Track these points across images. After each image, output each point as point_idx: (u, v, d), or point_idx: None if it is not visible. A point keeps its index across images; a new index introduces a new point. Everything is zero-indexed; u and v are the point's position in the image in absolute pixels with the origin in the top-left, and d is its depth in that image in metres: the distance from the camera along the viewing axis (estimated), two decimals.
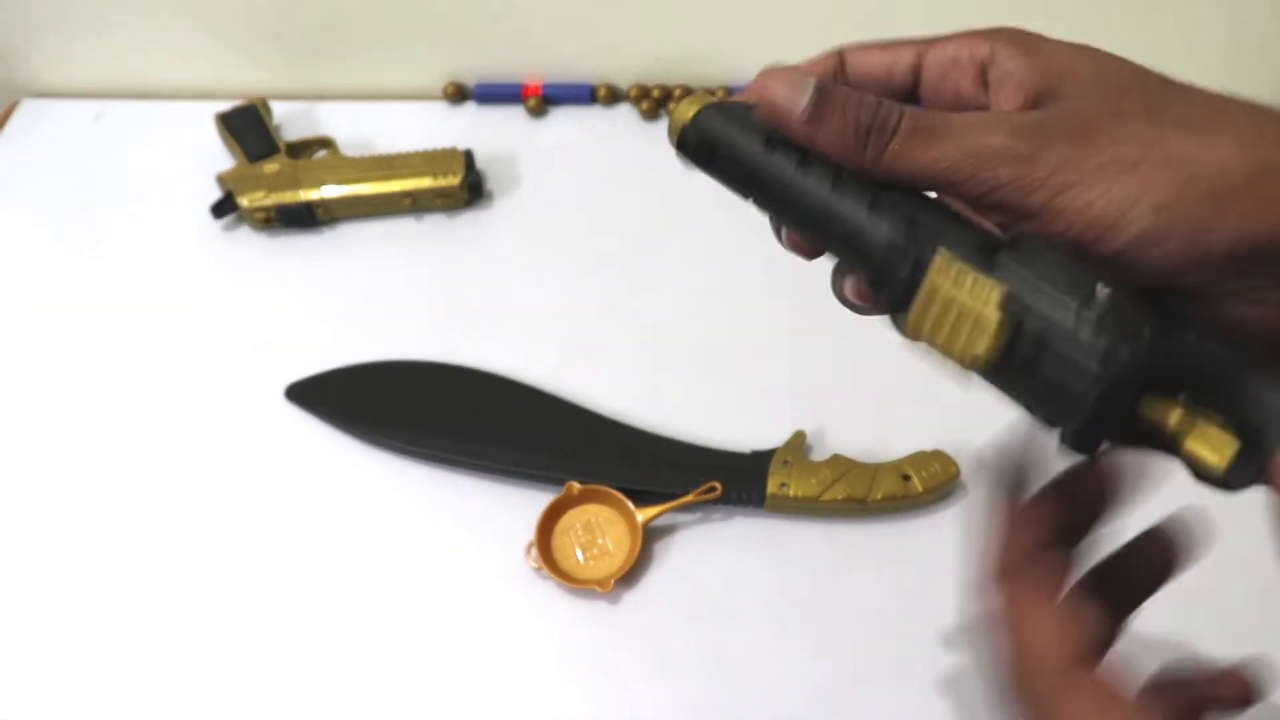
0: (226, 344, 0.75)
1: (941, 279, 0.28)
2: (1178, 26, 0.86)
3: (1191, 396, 0.26)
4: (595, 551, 0.64)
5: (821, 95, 0.30)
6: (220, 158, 0.86)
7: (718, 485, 0.63)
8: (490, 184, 0.85)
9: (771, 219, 0.34)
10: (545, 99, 0.91)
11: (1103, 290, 0.26)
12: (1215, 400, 0.26)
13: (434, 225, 0.83)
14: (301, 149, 0.85)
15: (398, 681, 0.59)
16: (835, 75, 0.36)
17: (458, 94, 0.92)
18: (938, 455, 0.64)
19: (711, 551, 0.64)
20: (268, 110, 0.86)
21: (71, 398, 0.72)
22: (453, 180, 0.82)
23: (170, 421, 0.71)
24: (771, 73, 0.31)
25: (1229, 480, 0.26)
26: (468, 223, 0.83)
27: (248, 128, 0.84)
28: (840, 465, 0.63)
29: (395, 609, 0.62)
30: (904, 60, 0.36)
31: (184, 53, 0.92)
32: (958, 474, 0.63)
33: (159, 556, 0.64)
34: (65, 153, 0.90)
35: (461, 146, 0.83)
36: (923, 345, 0.29)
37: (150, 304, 0.78)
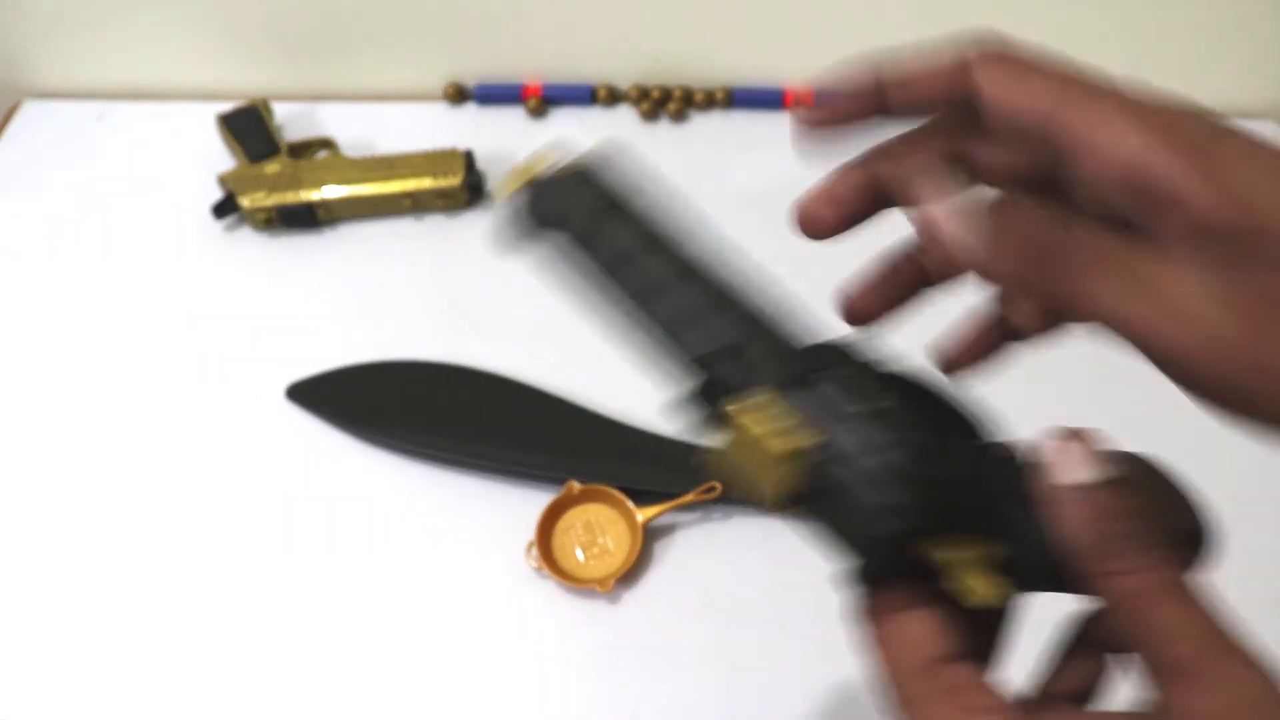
0: (228, 344, 0.75)
1: (743, 414, 0.28)
2: (1178, 26, 0.86)
3: (964, 530, 0.27)
4: (595, 551, 0.64)
5: (997, 215, 0.26)
6: (221, 158, 0.86)
7: (717, 485, 0.63)
8: (491, 185, 0.85)
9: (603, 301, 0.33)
10: (545, 99, 0.91)
11: (894, 419, 0.27)
12: (984, 529, 0.27)
13: (434, 226, 0.83)
14: (302, 149, 0.85)
15: (398, 681, 0.59)
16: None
17: (458, 94, 0.92)
18: None
19: (711, 551, 0.64)
20: (269, 111, 0.86)
21: (72, 398, 0.72)
22: (453, 181, 0.82)
23: (171, 421, 0.71)
24: (937, 201, 0.27)
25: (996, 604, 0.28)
26: (468, 223, 0.83)
27: (249, 128, 0.85)
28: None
29: (396, 609, 0.62)
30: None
31: (185, 54, 0.92)
32: None
33: (159, 556, 0.65)
34: (67, 154, 0.90)
35: (462, 147, 0.84)
36: (725, 465, 0.30)
37: (152, 304, 0.78)
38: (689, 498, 0.63)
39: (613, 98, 0.92)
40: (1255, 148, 0.25)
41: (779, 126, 0.91)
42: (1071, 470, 0.26)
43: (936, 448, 0.28)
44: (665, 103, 0.91)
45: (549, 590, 0.63)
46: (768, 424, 0.28)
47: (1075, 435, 0.26)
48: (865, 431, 0.27)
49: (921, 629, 0.27)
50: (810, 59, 0.90)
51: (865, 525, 0.27)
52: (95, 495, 0.67)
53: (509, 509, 0.65)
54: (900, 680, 0.27)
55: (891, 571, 0.27)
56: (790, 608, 0.61)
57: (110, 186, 0.87)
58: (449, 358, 0.73)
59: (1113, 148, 0.25)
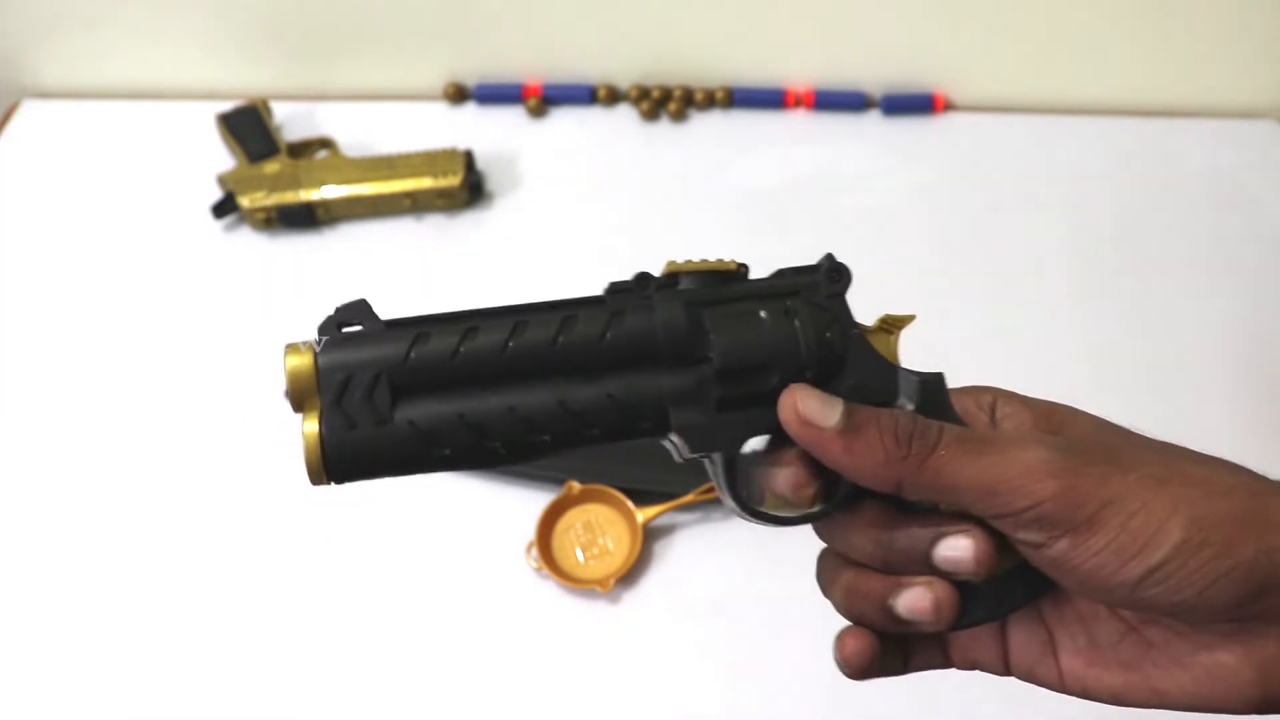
0: (227, 343, 0.75)
1: None
2: (1178, 26, 0.86)
3: None
4: (595, 551, 0.64)
5: (852, 409, 0.31)
6: (221, 158, 0.86)
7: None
8: (490, 184, 0.85)
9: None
10: (545, 99, 0.91)
11: None
12: None
13: (434, 225, 0.83)
14: (302, 149, 0.85)
15: (399, 680, 0.59)
16: None
17: (458, 94, 0.92)
18: None
19: (711, 551, 0.64)
20: (268, 111, 0.86)
21: (72, 397, 0.72)
22: (453, 180, 0.82)
23: (171, 420, 0.71)
24: (801, 388, 0.31)
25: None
26: (468, 223, 0.83)
27: (248, 128, 0.85)
28: None
29: (396, 609, 0.62)
30: None
31: (185, 54, 0.92)
32: None
33: (159, 555, 0.64)
34: (66, 153, 0.90)
35: (462, 147, 0.83)
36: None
37: (151, 303, 0.78)
38: (689, 498, 0.63)
39: (613, 98, 0.92)
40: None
41: (779, 126, 0.90)
42: (829, 412, 0.31)
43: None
44: (665, 103, 0.91)
45: (549, 590, 0.62)
46: None
47: (797, 389, 0.31)
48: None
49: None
50: (810, 59, 0.90)
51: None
52: (95, 494, 0.67)
53: (509, 509, 0.65)
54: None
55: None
56: (790, 608, 0.61)
57: (109, 186, 0.86)
58: None
59: (971, 396, 0.34)
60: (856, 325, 0.33)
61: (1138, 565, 0.29)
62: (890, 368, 0.32)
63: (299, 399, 0.33)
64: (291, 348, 0.33)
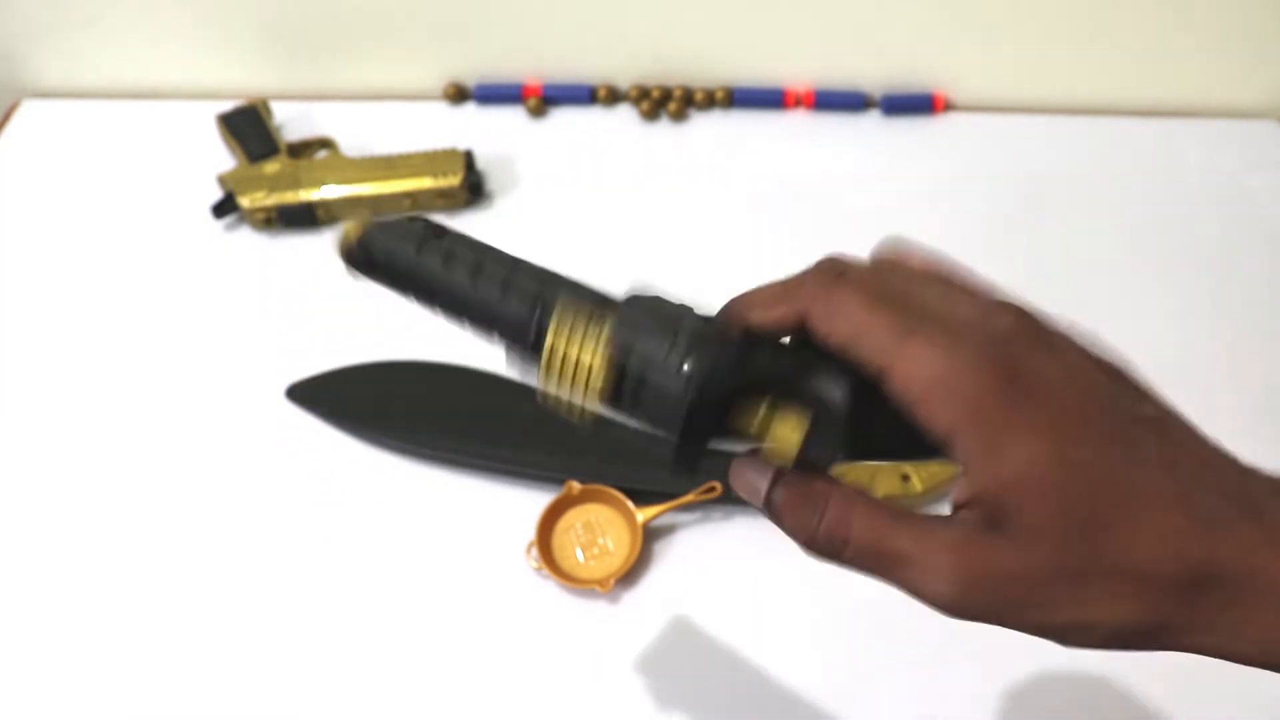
0: (227, 344, 0.75)
1: (558, 338, 0.33)
2: (1178, 26, 0.86)
3: (772, 400, 0.32)
4: (595, 551, 0.64)
5: (781, 484, 0.32)
6: (221, 158, 0.86)
7: (717, 485, 0.63)
8: (490, 184, 0.85)
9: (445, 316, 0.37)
10: (545, 99, 0.91)
11: (688, 325, 0.32)
12: (792, 399, 0.32)
13: None
14: (302, 149, 0.85)
15: (398, 681, 0.59)
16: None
17: (458, 94, 0.92)
18: None
19: (711, 551, 0.64)
20: (268, 111, 0.86)
21: (71, 398, 0.72)
22: (453, 180, 0.82)
23: (171, 421, 0.71)
24: (742, 462, 0.33)
25: (811, 456, 0.32)
26: (468, 223, 0.83)
27: (248, 128, 0.85)
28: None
29: (396, 609, 0.62)
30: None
31: (185, 53, 0.92)
32: (957, 473, 0.63)
33: (159, 556, 0.65)
34: (66, 153, 0.90)
35: (462, 147, 0.84)
36: (554, 393, 0.34)
37: (151, 304, 0.78)
38: (689, 498, 0.63)
39: (613, 98, 0.92)
40: (1041, 397, 0.29)
41: (779, 126, 0.91)
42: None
43: (723, 337, 0.32)
44: (665, 103, 0.91)
45: (549, 590, 0.63)
46: (582, 337, 0.32)
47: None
48: (664, 322, 0.32)
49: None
50: (810, 59, 0.90)
51: (671, 395, 0.31)
52: (95, 495, 0.67)
53: (509, 509, 0.65)
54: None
55: (703, 441, 0.32)
56: (790, 608, 0.61)
57: (109, 186, 0.86)
58: (449, 358, 0.73)
59: (904, 393, 0.30)
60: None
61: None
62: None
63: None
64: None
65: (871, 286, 0.31)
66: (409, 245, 0.36)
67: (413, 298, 0.37)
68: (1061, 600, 0.28)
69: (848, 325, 0.31)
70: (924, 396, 0.29)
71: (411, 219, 0.37)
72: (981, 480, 0.29)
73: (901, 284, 0.32)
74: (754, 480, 0.33)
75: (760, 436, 0.32)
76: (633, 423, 0.33)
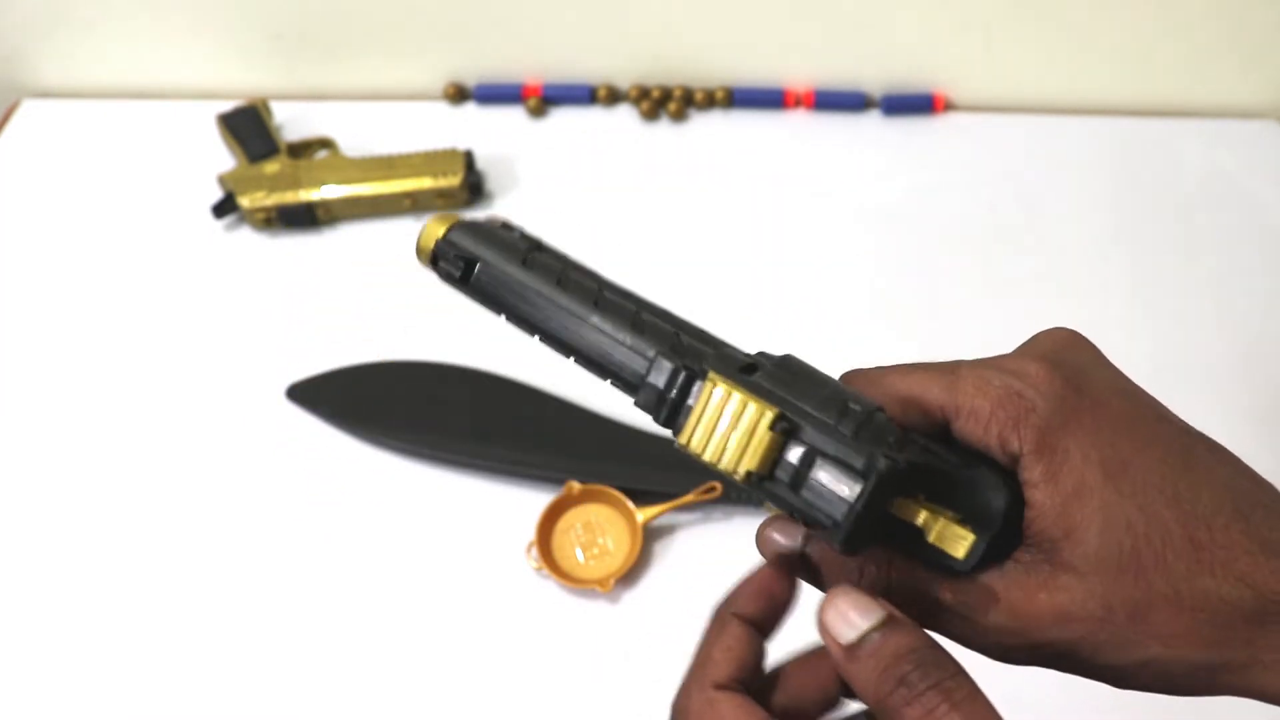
0: (227, 344, 0.75)
1: (712, 399, 0.30)
2: (1178, 26, 0.86)
3: (928, 496, 0.29)
4: (595, 551, 0.64)
5: (815, 540, 0.30)
6: (221, 158, 0.86)
7: (717, 485, 0.63)
8: (490, 184, 0.85)
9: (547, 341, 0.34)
10: (545, 99, 0.91)
11: (854, 407, 0.29)
12: (946, 498, 0.29)
13: None
14: (302, 149, 0.85)
15: (398, 681, 0.59)
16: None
17: (458, 94, 0.92)
18: None
19: (711, 551, 0.64)
20: (268, 111, 0.86)
21: (72, 397, 0.72)
22: (453, 180, 0.82)
23: (171, 421, 0.71)
24: (843, 592, 0.28)
25: (968, 565, 0.29)
26: None
27: (248, 128, 0.85)
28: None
29: (396, 608, 0.62)
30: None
31: (185, 53, 0.92)
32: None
33: (160, 555, 0.65)
34: (66, 153, 0.90)
35: (462, 147, 0.84)
36: (696, 456, 0.31)
37: (151, 304, 0.78)
38: (689, 498, 0.63)
39: (613, 98, 0.92)
40: (1103, 430, 0.28)
41: (779, 126, 0.91)
42: (846, 628, 0.28)
43: (891, 425, 0.29)
44: (665, 103, 0.91)
45: (549, 590, 0.63)
46: (741, 403, 0.29)
47: (837, 593, 0.28)
48: (826, 399, 0.29)
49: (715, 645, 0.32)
50: (810, 59, 0.90)
51: (850, 480, 0.28)
52: (96, 494, 0.67)
53: (509, 509, 0.65)
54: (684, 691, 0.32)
55: (872, 531, 0.28)
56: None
57: (109, 186, 0.86)
58: (449, 358, 0.73)
59: (969, 427, 0.29)
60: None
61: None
62: None
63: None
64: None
65: (903, 364, 0.32)
66: (511, 258, 0.33)
67: (505, 317, 0.34)
68: (1121, 639, 0.27)
69: (899, 390, 0.30)
70: (990, 422, 0.29)
71: (504, 225, 0.35)
72: (1044, 503, 0.28)
73: None
74: (783, 539, 0.32)
75: (923, 534, 0.29)
76: (779, 504, 0.30)
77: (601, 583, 0.61)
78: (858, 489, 0.27)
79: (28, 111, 0.93)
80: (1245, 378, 0.73)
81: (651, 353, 0.31)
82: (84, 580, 0.64)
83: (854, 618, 0.28)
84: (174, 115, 0.91)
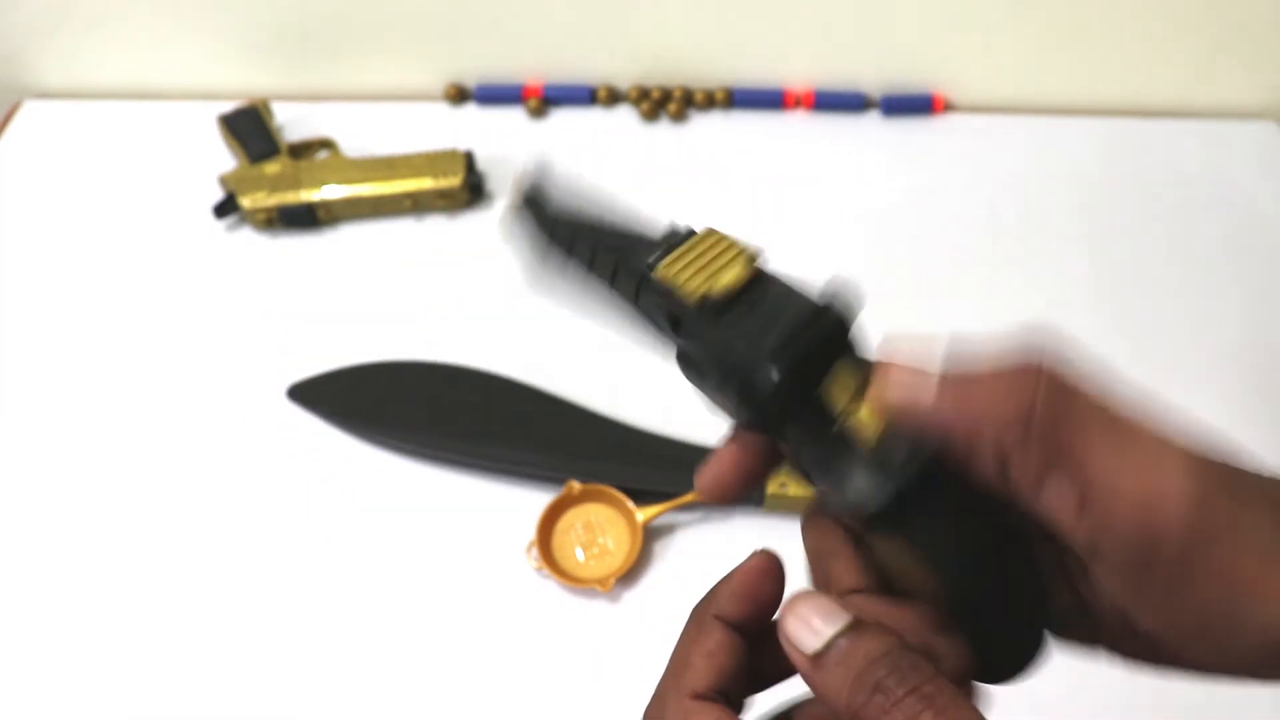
0: (229, 344, 0.75)
1: (703, 242, 0.31)
2: (1178, 26, 0.86)
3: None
4: (595, 551, 0.64)
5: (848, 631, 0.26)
6: (222, 159, 0.86)
7: None
8: (491, 185, 0.85)
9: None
10: (545, 100, 0.92)
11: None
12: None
13: (435, 226, 0.83)
14: (303, 150, 0.85)
15: (398, 681, 0.60)
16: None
17: (458, 95, 0.92)
18: None
19: (711, 551, 0.64)
20: (269, 111, 0.87)
21: (73, 398, 0.73)
22: (454, 181, 0.82)
23: (172, 421, 0.71)
24: (804, 598, 0.27)
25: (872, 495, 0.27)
26: (468, 223, 0.83)
27: (249, 129, 0.85)
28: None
29: (396, 608, 0.62)
30: None
31: (186, 54, 0.92)
32: None
33: (160, 555, 0.65)
34: (68, 154, 0.90)
35: (462, 147, 0.84)
36: (663, 284, 0.31)
37: (153, 304, 0.78)
38: (689, 498, 0.64)
39: (613, 98, 0.92)
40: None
41: (779, 126, 0.91)
42: (810, 635, 0.26)
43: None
44: (665, 103, 0.91)
45: (549, 590, 0.63)
46: (729, 245, 0.31)
47: (798, 599, 0.27)
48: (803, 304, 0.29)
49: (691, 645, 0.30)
50: (810, 59, 0.90)
51: (802, 309, 0.29)
52: (97, 494, 0.68)
53: (509, 509, 0.65)
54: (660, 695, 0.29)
55: (796, 397, 0.28)
56: None
57: (110, 186, 0.87)
58: (449, 358, 0.73)
59: (965, 448, 0.27)
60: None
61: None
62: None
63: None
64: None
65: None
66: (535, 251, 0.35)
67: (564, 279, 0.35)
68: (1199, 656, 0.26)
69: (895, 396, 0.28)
70: (981, 443, 0.26)
71: (534, 200, 0.35)
72: (1076, 533, 0.26)
73: None
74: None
75: (847, 412, 0.28)
76: (717, 350, 0.29)
77: (601, 582, 0.61)
78: (809, 316, 0.28)
79: (29, 112, 0.93)
80: (1244, 377, 0.73)
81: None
82: (84, 579, 0.64)
83: (817, 623, 0.26)
84: (175, 116, 0.91)
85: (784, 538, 0.34)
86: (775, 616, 0.27)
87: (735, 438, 0.32)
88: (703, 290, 0.30)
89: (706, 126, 0.91)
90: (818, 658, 0.26)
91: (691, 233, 0.32)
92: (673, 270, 0.31)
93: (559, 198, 0.35)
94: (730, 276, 0.30)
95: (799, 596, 0.27)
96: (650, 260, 0.31)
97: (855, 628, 0.26)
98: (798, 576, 0.40)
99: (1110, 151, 0.88)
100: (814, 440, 0.29)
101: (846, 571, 0.30)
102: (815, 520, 0.32)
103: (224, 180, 0.82)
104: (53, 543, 0.66)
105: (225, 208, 0.82)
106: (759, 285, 0.30)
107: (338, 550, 0.65)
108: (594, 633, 0.61)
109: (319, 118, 0.90)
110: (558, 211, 0.35)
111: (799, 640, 0.26)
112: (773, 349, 0.28)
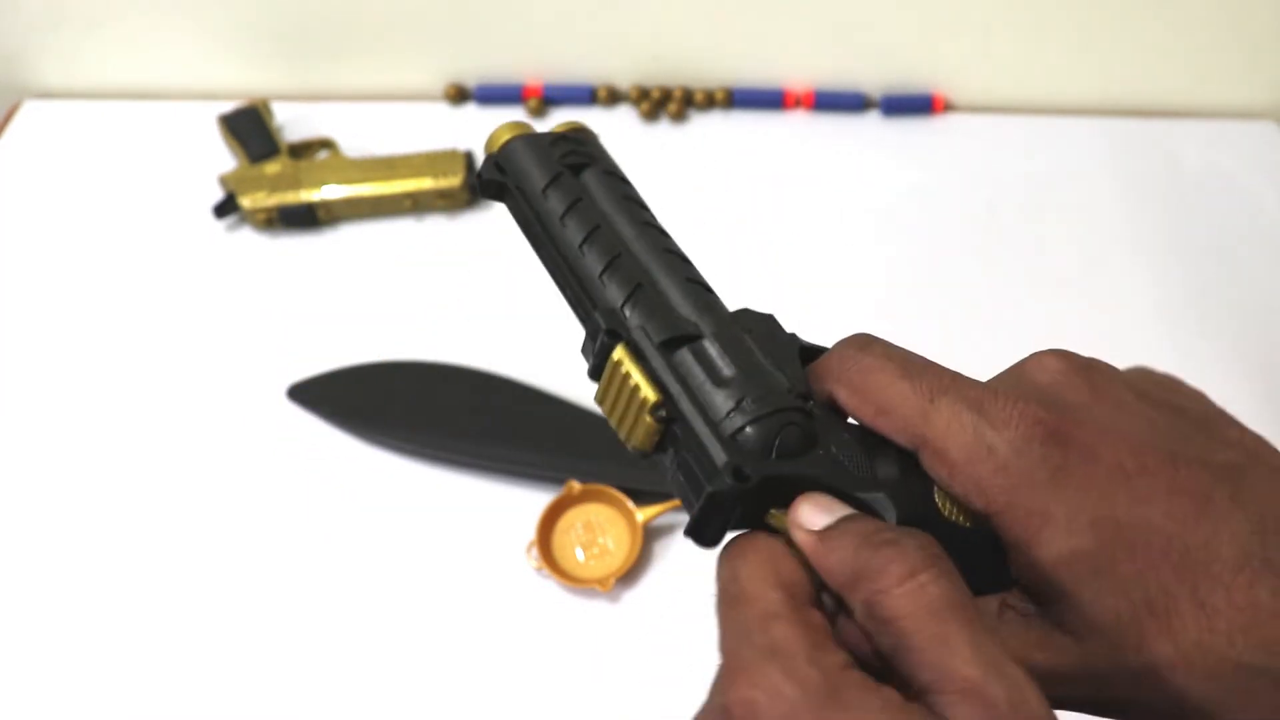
0: (229, 344, 0.75)
1: (617, 369, 0.29)
2: (1178, 26, 0.86)
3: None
4: (595, 551, 0.64)
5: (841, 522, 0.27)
6: (222, 159, 0.86)
7: None
8: None
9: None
10: (545, 100, 0.92)
11: (751, 406, 0.28)
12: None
13: (435, 226, 0.83)
14: (303, 150, 0.85)
15: (398, 681, 0.60)
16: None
17: (458, 95, 0.92)
18: None
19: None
20: (269, 111, 0.87)
21: (73, 398, 0.73)
22: (454, 181, 0.82)
23: (173, 421, 0.71)
24: (812, 496, 0.28)
25: None
26: (468, 223, 0.83)
27: (249, 129, 0.85)
28: None
29: (396, 608, 0.62)
30: None
31: (186, 54, 0.92)
32: None
33: (160, 555, 0.65)
34: (68, 154, 0.90)
35: (462, 147, 0.84)
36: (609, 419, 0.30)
37: (153, 304, 0.78)
38: None
39: (613, 98, 0.92)
40: (1094, 487, 0.26)
41: (779, 126, 0.91)
42: (819, 516, 0.27)
43: (783, 422, 0.28)
44: (665, 103, 0.91)
45: (549, 590, 0.63)
46: (634, 384, 0.29)
47: (807, 496, 0.27)
48: (720, 397, 0.28)
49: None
50: (810, 59, 0.90)
51: (699, 483, 0.28)
52: (96, 494, 0.68)
53: (509, 509, 0.65)
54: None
55: (724, 530, 0.29)
56: None
57: (111, 187, 0.87)
58: (449, 358, 0.73)
59: (936, 469, 0.27)
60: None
61: None
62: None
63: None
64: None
65: (901, 354, 0.29)
66: (540, 175, 0.32)
67: (529, 242, 0.33)
68: (1125, 699, 0.25)
69: (875, 398, 0.28)
70: (955, 472, 0.26)
71: (564, 136, 0.33)
72: (1027, 567, 0.26)
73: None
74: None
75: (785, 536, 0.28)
76: (668, 470, 0.30)
77: (601, 582, 0.61)
78: (701, 493, 0.27)
79: (29, 112, 0.93)
80: (1245, 378, 0.73)
81: (589, 307, 0.31)
82: (85, 579, 0.64)
83: (826, 505, 0.27)
84: (175, 116, 0.91)
85: None
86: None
87: None
88: (624, 439, 0.30)
89: (706, 126, 0.91)
90: (824, 532, 0.26)
91: (607, 348, 0.30)
92: (601, 399, 0.30)
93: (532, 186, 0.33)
94: (639, 439, 0.29)
95: (807, 495, 0.27)
96: (589, 368, 0.31)
97: (859, 515, 0.27)
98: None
99: (1110, 151, 0.88)
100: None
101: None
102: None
103: (224, 180, 0.82)
104: (52, 543, 0.66)
105: (225, 208, 0.82)
106: (668, 439, 0.29)
107: (338, 550, 0.65)
108: (594, 633, 0.61)
109: (319, 118, 0.90)
110: (532, 204, 0.33)
111: (809, 520, 0.27)
112: (695, 521, 0.29)
